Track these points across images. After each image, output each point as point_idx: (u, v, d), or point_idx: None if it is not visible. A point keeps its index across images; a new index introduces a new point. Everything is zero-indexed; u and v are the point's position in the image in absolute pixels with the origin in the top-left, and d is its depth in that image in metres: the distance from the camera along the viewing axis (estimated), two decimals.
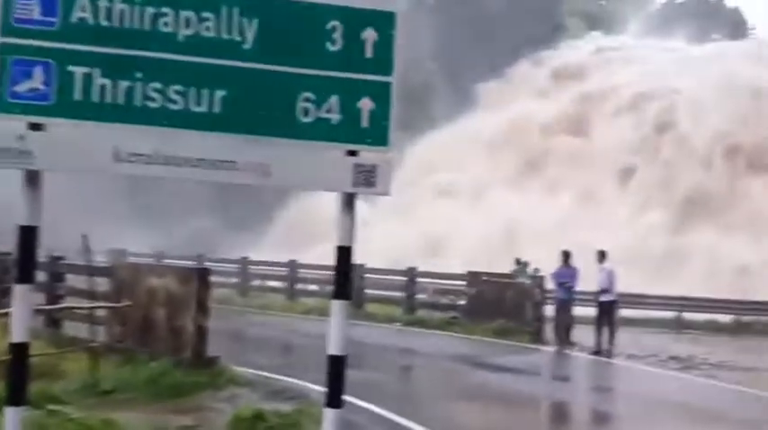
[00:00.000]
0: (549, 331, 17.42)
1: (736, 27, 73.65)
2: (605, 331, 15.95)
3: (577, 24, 57.29)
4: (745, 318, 23.67)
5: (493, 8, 48.01)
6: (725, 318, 23.70)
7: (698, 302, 23.68)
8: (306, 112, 4.55)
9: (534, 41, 48.80)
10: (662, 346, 17.12)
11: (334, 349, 4.60)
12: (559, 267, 16.71)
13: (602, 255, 16.18)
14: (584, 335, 16.76)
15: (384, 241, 32.89)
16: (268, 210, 34.91)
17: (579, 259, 16.64)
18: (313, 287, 22.49)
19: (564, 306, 16.57)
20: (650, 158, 37.24)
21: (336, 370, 4.62)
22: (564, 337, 16.40)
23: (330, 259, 4.73)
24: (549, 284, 17.43)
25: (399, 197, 37.50)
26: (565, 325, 16.54)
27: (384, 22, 4.68)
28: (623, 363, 14.86)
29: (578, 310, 17.55)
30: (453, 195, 38.26)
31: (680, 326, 23.01)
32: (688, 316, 23.67)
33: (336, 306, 4.63)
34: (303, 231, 32.46)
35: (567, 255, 16.63)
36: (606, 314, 16.10)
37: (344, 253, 4.65)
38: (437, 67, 44.60)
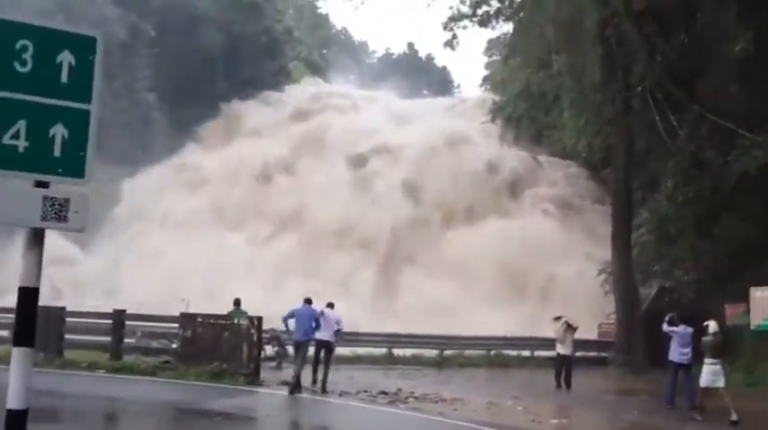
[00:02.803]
0: (264, 372, 17.44)
1: (443, 84, 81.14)
2: (321, 369, 16.48)
3: (300, 69, 59.15)
4: (447, 352, 25.56)
5: (216, 45, 47.92)
6: (431, 353, 25.42)
7: (406, 338, 25.18)
8: None
9: (256, 82, 49.50)
10: (373, 382, 17.80)
11: (13, 403, 4.10)
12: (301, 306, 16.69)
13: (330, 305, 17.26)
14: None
15: (101, 280, 30.97)
16: None
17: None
18: (3, 333, 20.13)
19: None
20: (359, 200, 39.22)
21: (16, 426, 4.11)
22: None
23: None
24: (270, 325, 17.50)
25: (119, 232, 35.70)
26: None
27: (83, 46, 4.37)
28: (336, 400, 15.15)
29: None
30: (171, 229, 37.13)
31: (390, 361, 24.22)
32: (397, 351, 25.06)
33: (18, 353, 4.15)
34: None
35: (309, 301, 16.80)
36: (324, 353, 16.68)
37: (28, 294, 4.18)
38: (155, 98, 43.27)
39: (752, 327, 20.46)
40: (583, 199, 38.62)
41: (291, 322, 16.62)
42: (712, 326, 15.24)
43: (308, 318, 16.44)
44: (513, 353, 26.03)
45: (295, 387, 15.58)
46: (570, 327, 20.16)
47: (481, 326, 26.80)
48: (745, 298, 20.63)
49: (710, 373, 14.66)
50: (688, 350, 15.83)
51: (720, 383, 14.59)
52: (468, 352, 25.67)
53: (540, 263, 33.46)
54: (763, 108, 21.61)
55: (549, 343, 21.43)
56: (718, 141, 22.60)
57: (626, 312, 25.63)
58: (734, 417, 14.04)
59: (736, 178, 21.67)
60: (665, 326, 16.34)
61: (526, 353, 26.03)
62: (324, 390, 16.07)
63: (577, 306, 26.49)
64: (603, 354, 26.23)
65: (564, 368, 19.67)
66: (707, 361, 14.83)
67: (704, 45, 22.10)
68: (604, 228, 28.64)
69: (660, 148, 24.80)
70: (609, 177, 30.33)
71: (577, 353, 21.63)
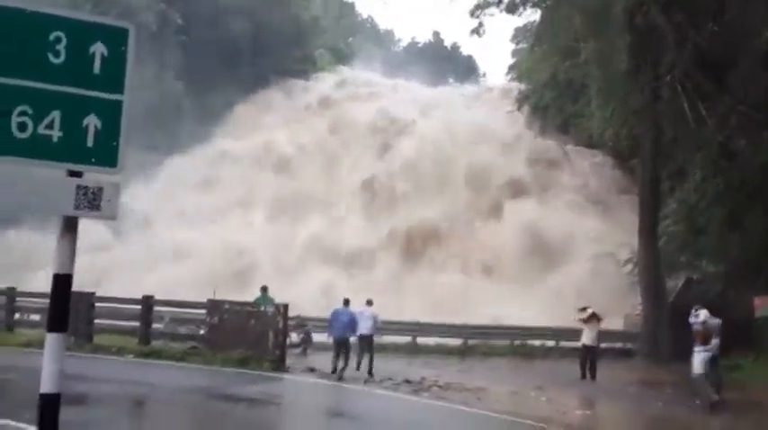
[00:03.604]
0: (289, 358, 17.67)
1: (469, 73, 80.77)
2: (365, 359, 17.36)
3: (325, 58, 59.17)
4: (471, 342, 25.59)
5: (242, 33, 48.08)
6: (455, 342, 25.48)
7: (429, 327, 25.24)
8: (22, 128, 4.17)
9: (283, 70, 49.66)
10: (396, 370, 17.90)
11: (46, 387, 4.22)
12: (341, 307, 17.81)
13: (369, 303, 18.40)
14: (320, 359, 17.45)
15: (130, 266, 31.32)
16: None
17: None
18: (35, 317, 20.52)
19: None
20: (388, 187, 39.32)
21: (49, 409, 4.23)
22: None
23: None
24: (294, 312, 17.96)
25: (146, 219, 36.08)
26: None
27: (115, 37, 4.45)
28: (361, 388, 15.27)
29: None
30: (200, 218, 37.43)
31: (414, 350, 24.30)
32: (421, 340, 25.15)
33: (51, 339, 4.26)
34: (25, 256, 29.86)
35: (347, 301, 17.98)
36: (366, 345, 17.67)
37: (62, 281, 4.29)
38: (183, 86, 43.55)
39: None
40: (609, 189, 38.31)
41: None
42: (703, 314, 15.39)
43: (347, 318, 17.47)
44: (537, 343, 25.99)
45: (340, 377, 16.31)
46: (596, 318, 20.09)
47: (505, 315, 26.80)
48: None
49: (701, 361, 14.96)
50: (716, 341, 15.72)
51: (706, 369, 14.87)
52: (491, 341, 25.69)
53: (566, 253, 33.32)
54: None
55: (573, 333, 21.37)
56: (747, 132, 22.30)
57: (652, 303, 25.42)
58: (714, 398, 14.50)
59: (765, 169, 21.39)
60: (692, 318, 16.21)
61: (550, 343, 25.97)
62: (370, 374, 16.82)
63: (603, 297, 26.32)
64: (629, 346, 26.08)
65: (589, 359, 19.63)
66: (696, 348, 15.09)
67: (734, 34, 21.74)
68: (631, 219, 28.41)
69: (689, 138, 24.51)
70: (636, 167, 30.03)
71: (602, 345, 21.54)
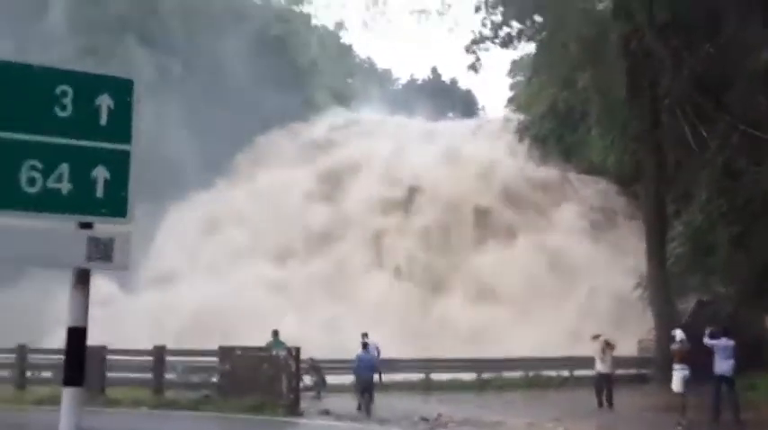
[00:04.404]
0: (304, 403, 17.53)
1: (468, 107, 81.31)
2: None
3: (325, 99, 59.57)
4: (485, 375, 25.35)
5: (242, 78, 48.56)
6: (468, 377, 25.25)
7: (443, 363, 25.04)
8: (31, 182, 4.19)
9: (283, 114, 50.04)
10: (412, 408, 17.74)
11: None
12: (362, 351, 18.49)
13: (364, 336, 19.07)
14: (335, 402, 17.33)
15: (137, 318, 31.25)
16: None
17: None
18: (47, 374, 20.41)
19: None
20: (400, 225, 39.34)
21: None
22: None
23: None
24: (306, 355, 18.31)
25: (153, 270, 36.07)
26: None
27: (121, 89, 4.50)
28: (378, 428, 15.11)
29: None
30: (210, 267, 37.39)
31: (428, 387, 24.07)
32: (435, 376, 24.93)
33: (67, 393, 4.22)
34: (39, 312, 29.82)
35: (365, 345, 18.75)
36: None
37: (76, 334, 4.27)
38: (186, 135, 43.88)
39: None
40: (615, 214, 38.26)
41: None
42: (678, 334, 16.62)
43: (369, 361, 18.30)
44: (552, 373, 25.74)
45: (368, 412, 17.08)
46: (609, 345, 19.92)
47: (517, 346, 26.56)
48: None
49: (680, 379, 15.96)
50: (731, 362, 15.71)
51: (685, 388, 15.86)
52: (505, 374, 25.46)
53: (575, 280, 33.16)
54: None
55: (587, 362, 21.17)
56: (749, 151, 22.34)
57: (664, 327, 25.21)
58: (683, 422, 15.22)
59: None
60: (707, 340, 16.14)
61: (565, 372, 25.72)
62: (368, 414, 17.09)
63: (614, 322, 26.13)
64: (644, 371, 25.82)
65: (605, 386, 19.43)
66: (675, 367, 16.19)
67: (731, 55, 21.92)
68: (638, 243, 28.33)
69: (691, 161, 24.56)
70: (640, 192, 30.05)
71: (617, 371, 21.33)
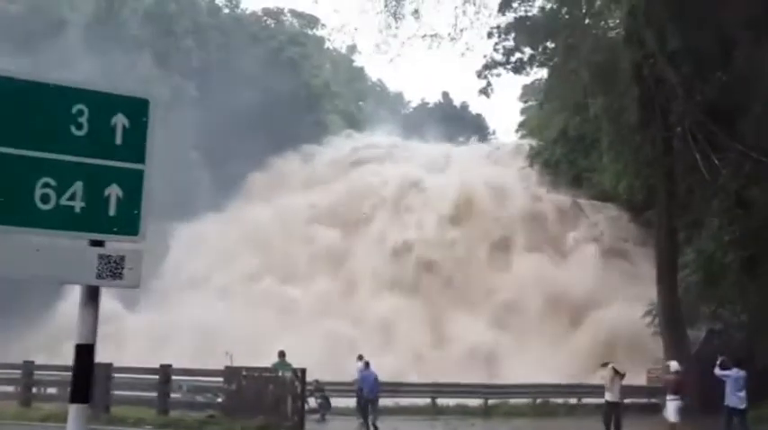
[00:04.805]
0: (308, 425, 17.45)
1: (478, 131, 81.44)
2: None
3: (337, 122, 59.90)
4: (491, 401, 25.13)
5: (256, 102, 48.90)
6: (475, 402, 25.03)
7: (449, 387, 24.86)
8: (45, 199, 4.22)
9: (295, 136, 50.27)
10: None
11: None
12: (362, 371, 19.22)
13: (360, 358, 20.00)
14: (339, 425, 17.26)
15: (143, 336, 31.26)
16: None
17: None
18: (52, 390, 20.37)
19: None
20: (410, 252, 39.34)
21: None
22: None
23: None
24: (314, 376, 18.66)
25: (163, 289, 36.15)
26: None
27: (136, 108, 4.53)
28: None
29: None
30: (220, 286, 37.46)
31: (434, 411, 23.87)
32: (441, 401, 24.72)
33: (73, 410, 4.21)
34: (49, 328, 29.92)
35: (367, 364, 19.38)
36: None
37: (84, 351, 4.27)
38: (200, 156, 44.13)
39: None
40: (626, 241, 38.11)
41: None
42: (673, 365, 17.12)
43: (372, 380, 18.75)
44: (560, 400, 25.50)
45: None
46: (618, 374, 19.69)
47: (526, 372, 26.38)
48: None
49: (674, 409, 16.47)
50: (742, 394, 15.48)
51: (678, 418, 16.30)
52: (513, 400, 25.23)
53: (586, 307, 32.99)
54: None
55: (596, 390, 20.95)
56: (761, 179, 22.23)
57: (675, 356, 24.98)
58: None
59: None
60: (718, 371, 15.98)
61: (573, 400, 25.47)
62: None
63: (625, 350, 25.93)
64: (654, 400, 25.53)
65: (613, 415, 19.19)
66: (669, 397, 16.69)
67: (743, 82, 21.89)
68: (649, 271, 28.16)
69: (703, 188, 24.46)
70: (652, 218, 29.92)
71: (626, 400, 21.09)
